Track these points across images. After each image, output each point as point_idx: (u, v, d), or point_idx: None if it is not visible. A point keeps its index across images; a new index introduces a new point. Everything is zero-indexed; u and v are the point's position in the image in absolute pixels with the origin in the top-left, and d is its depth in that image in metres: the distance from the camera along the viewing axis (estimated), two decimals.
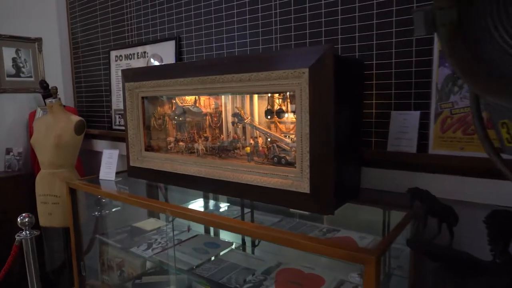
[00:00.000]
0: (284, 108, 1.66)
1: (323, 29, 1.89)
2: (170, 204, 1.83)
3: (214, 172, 1.73)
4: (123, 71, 2.12)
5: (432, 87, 1.58)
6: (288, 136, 1.70)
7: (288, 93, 1.65)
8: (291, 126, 1.74)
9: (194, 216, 1.61)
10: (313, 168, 1.40)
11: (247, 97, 1.88)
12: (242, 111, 1.79)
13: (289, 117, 1.67)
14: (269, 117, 1.69)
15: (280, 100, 1.66)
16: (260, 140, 1.82)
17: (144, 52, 2.88)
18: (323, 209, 1.41)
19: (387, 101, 1.72)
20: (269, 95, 1.70)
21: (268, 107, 1.69)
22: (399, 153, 1.66)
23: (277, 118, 1.70)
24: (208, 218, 1.56)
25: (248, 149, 1.72)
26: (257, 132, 1.83)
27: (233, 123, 1.82)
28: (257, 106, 1.85)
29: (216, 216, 1.62)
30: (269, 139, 1.71)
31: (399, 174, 1.69)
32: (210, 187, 1.75)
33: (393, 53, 1.68)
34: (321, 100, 1.35)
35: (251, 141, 1.85)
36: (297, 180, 1.46)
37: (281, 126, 1.78)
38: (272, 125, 1.82)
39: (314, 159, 1.39)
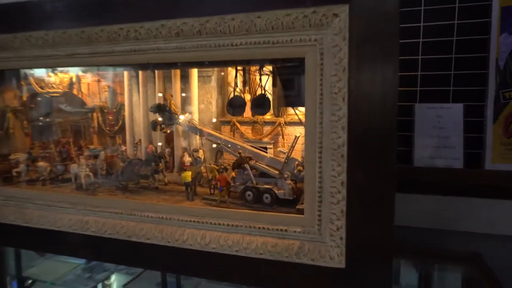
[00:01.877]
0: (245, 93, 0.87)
1: None
2: None
3: (118, 225, 0.85)
4: None
5: (489, 65, 1.01)
6: (266, 149, 0.93)
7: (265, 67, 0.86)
8: (265, 129, 0.97)
9: None
10: (353, 216, 0.67)
11: (176, 76, 1.04)
12: (172, 102, 0.94)
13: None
14: (235, 112, 0.88)
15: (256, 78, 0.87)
16: (201, 154, 1.00)
17: None
18: None
19: (409, 88, 1.09)
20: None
21: (237, 94, 0.88)
22: (434, 169, 1.05)
23: (258, 116, 0.91)
24: None
25: (188, 174, 0.89)
26: (198, 141, 1.00)
27: (154, 124, 0.95)
28: (196, 93, 1.02)
29: None
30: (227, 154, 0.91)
31: (431, 201, 1.08)
32: (110, 255, 0.86)
33: (422, 12, 1.06)
34: (376, 73, 0.63)
35: (187, 159, 1.01)
36: (312, 239, 0.74)
37: (244, 129, 0.99)
38: (225, 128, 1.02)
39: (357, 196, 0.66)
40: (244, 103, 0.85)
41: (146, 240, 0.83)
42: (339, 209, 0.69)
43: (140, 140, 1.12)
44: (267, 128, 0.96)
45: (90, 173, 1.01)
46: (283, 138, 0.94)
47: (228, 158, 0.98)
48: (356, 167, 0.67)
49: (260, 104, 0.82)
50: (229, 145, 0.88)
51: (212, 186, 0.89)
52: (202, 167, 0.96)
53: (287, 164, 0.83)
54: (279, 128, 0.94)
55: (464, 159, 1.04)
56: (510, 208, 1.01)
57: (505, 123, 1.02)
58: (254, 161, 0.86)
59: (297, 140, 0.83)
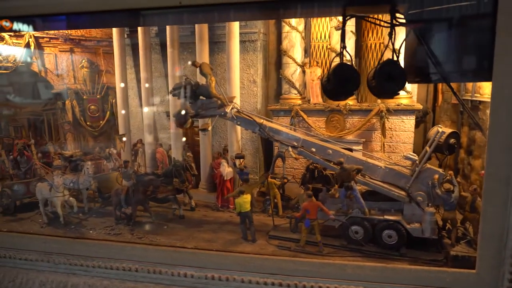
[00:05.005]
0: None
1: None
2: None
3: None
4: None
5: None
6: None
7: None
8: (349, 121, 0.64)
9: None
10: None
11: (203, 40, 0.68)
12: (213, 80, 0.59)
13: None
14: (339, 92, 0.62)
15: None
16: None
17: None
18: None
19: None
20: None
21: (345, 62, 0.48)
22: None
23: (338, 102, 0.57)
24: None
25: (245, 200, 0.57)
26: (239, 140, 0.64)
27: (184, 117, 0.61)
28: (238, 68, 0.67)
29: None
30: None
31: None
32: None
33: None
34: None
35: (226, 169, 0.68)
36: None
37: (312, 121, 0.66)
38: (280, 120, 0.74)
39: None
40: (357, 77, 0.52)
41: None
42: None
43: (140, 141, 0.75)
44: (352, 121, 0.63)
45: (71, 199, 0.63)
46: (383, 135, 0.61)
47: (292, 166, 0.64)
48: None
49: (390, 77, 0.49)
50: (313, 149, 0.55)
51: (288, 217, 0.55)
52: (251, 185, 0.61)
53: (419, 180, 0.51)
54: (377, 120, 0.61)
55: None
56: None
57: None
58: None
59: (437, 138, 0.50)
